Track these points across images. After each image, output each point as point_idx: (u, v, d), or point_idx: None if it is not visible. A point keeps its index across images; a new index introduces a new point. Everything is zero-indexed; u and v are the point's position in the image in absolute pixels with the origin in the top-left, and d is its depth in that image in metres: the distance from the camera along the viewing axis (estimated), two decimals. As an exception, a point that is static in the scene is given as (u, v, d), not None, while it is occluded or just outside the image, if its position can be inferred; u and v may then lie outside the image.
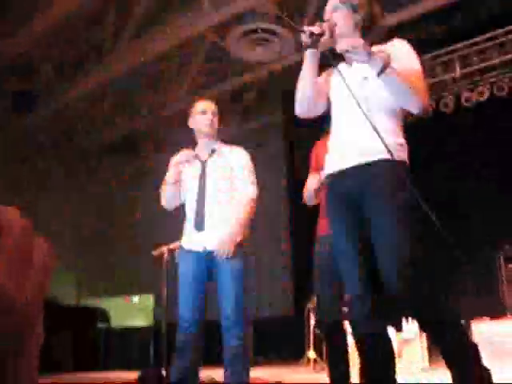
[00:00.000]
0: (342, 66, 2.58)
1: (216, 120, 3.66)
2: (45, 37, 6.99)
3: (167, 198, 3.63)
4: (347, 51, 2.34)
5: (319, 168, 3.35)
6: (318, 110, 2.65)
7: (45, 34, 6.84)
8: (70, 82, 8.04)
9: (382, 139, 2.33)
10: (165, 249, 4.41)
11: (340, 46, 2.35)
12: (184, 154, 3.61)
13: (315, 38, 2.40)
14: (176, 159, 3.58)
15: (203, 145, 3.66)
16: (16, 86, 7.70)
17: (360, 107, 2.37)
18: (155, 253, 4.45)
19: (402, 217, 2.35)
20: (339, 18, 2.52)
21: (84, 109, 8.98)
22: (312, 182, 3.45)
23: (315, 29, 2.40)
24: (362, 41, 2.31)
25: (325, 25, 2.42)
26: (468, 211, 6.72)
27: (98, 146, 10.07)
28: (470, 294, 6.69)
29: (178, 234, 3.69)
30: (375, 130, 2.34)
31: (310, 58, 2.49)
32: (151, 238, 4.66)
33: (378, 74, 2.32)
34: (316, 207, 3.55)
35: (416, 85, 2.38)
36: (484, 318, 5.31)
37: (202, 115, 3.62)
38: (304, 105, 2.58)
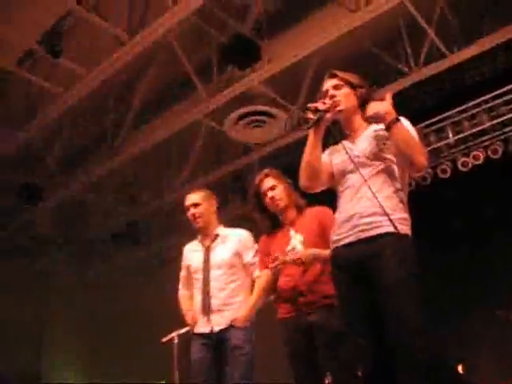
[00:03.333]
0: (346, 143, 2.69)
1: (201, 209, 3.73)
2: (49, 130, 7.21)
3: None
4: (371, 117, 2.48)
5: (268, 264, 3.41)
6: (322, 185, 2.73)
7: (48, 127, 7.06)
8: (73, 173, 8.22)
9: (387, 214, 2.40)
10: (174, 335, 4.36)
11: (368, 114, 2.51)
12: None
13: (320, 115, 2.50)
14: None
15: (203, 233, 3.76)
16: (21, 178, 7.87)
17: (366, 182, 2.46)
18: (165, 340, 4.40)
19: (406, 287, 2.36)
20: (342, 96, 2.65)
21: (88, 200, 9.11)
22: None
23: (320, 105, 2.51)
24: (386, 109, 2.46)
25: (328, 101, 2.54)
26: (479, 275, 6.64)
27: (102, 236, 10.11)
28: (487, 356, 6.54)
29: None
30: (380, 205, 2.41)
31: (314, 135, 2.59)
32: (160, 326, 4.60)
33: (389, 127, 2.41)
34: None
35: (420, 145, 2.50)
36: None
37: (187, 212, 3.75)
38: (310, 179, 2.66)
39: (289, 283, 3.40)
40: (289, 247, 3.43)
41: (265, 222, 3.64)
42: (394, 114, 2.45)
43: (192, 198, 3.79)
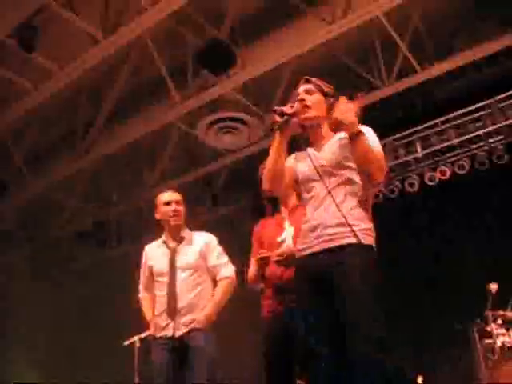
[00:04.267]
0: (312, 150, 2.68)
1: (182, 208, 3.72)
2: (17, 126, 7.10)
3: None
4: (339, 121, 2.43)
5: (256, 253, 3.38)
6: (285, 189, 2.74)
7: (17, 123, 6.95)
8: (41, 171, 8.10)
9: (350, 225, 2.41)
10: (136, 338, 4.33)
11: (335, 115, 2.44)
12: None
13: (286, 118, 2.50)
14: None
15: (171, 233, 3.72)
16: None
17: (330, 193, 2.46)
18: (126, 343, 4.36)
19: (367, 298, 2.38)
20: (312, 101, 2.65)
21: (55, 198, 8.98)
22: (254, 268, 3.46)
23: (287, 109, 2.50)
24: (351, 120, 2.41)
25: (296, 106, 2.53)
26: (441, 284, 6.74)
27: (69, 235, 9.97)
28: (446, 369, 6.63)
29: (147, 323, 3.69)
30: (343, 215, 2.42)
31: (279, 138, 2.58)
32: (122, 328, 4.56)
33: (352, 138, 2.41)
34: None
35: (378, 160, 2.48)
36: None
37: (167, 206, 3.70)
38: (272, 182, 2.64)
39: (270, 279, 3.33)
40: (279, 238, 3.35)
41: (266, 206, 3.54)
42: (357, 126, 2.43)
43: (175, 195, 3.77)
